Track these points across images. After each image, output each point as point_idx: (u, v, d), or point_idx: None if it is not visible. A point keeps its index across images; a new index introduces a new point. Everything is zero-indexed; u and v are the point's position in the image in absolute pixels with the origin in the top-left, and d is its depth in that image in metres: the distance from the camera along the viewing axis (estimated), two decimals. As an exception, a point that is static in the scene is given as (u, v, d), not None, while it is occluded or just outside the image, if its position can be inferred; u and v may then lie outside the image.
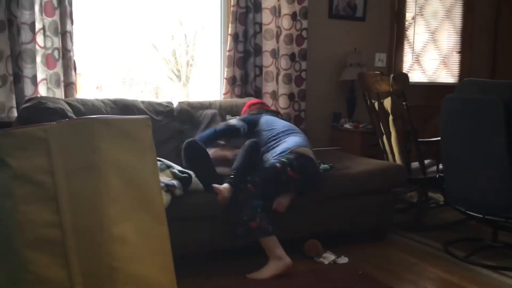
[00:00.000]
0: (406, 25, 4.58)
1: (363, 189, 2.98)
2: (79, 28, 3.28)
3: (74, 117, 2.76)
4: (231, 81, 3.65)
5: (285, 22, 3.75)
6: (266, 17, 3.70)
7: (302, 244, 2.79)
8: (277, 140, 2.90)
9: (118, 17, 3.49)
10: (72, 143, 1.69)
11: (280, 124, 3.03)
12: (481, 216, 2.76)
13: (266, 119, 3.07)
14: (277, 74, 3.79)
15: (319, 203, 2.85)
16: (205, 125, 3.22)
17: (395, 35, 4.50)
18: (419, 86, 4.65)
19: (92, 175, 1.68)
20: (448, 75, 4.93)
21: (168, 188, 2.42)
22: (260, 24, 3.71)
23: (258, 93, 3.76)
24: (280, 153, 2.77)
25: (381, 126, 3.46)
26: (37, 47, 3.01)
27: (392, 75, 3.27)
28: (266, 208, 2.57)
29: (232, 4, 3.59)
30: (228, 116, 3.29)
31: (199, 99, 3.57)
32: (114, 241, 1.67)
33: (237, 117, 3.14)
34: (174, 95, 3.73)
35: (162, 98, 3.48)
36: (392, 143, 3.42)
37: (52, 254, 1.63)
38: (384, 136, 3.47)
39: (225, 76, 3.67)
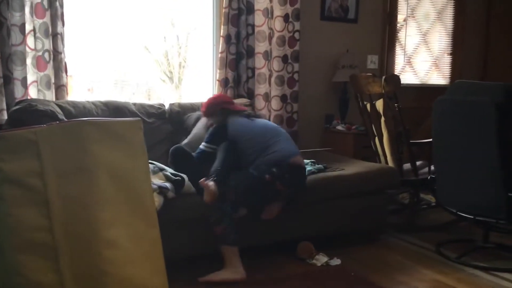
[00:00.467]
0: (397, 27, 4.60)
1: (355, 191, 2.99)
2: (70, 30, 3.26)
3: (65, 119, 2.74)
4: (224, 83, 3.64)
5: (278, 24, 3.75)
6: (259, 18, 3.70)
7: (295, 246, 2.79)
8: (265, 149, 2.65)
9: (110, 18, 3.47)
10: (62, 146, 1.68)
11: (257, 130, 2.73)
12: (472, 217, 2.77)
13: (234, 124, 2.75)
14: (270, 76, 3.78)
15: (312, 205, 2.85)
16: (190, 129, 3.17)
17: (387, 37, 4.52)
18: (411, 87, 4.67)
19: (83, 178, 1.67)
20: (439, 77, 4.96)
21: (161, 190, 2.41)
22: (253, 26, 3.71)
23: (250, 95, 3.75)
24: (272, 164, 2.59)
25: (373, 128, 3.47)
26: (27, 49, 2.99)
27: (384, 77, 3.28)
28: (248, 215, 2.56)
29: (224, 5, 3.59)
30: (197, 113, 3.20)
31: (192, 101, 3.55)
32: (105, 244, 1.66)
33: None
34: (166, 97, 3.72)
35: (154, 100, 3.47)
36: (384, 144, 3.44)
37: (43, 257, 1.62)
38: (376, 138, 3.48)
39: (217, 78, 3.67)
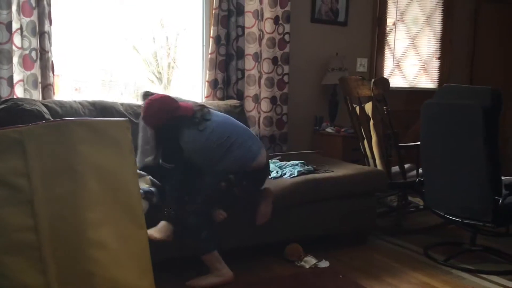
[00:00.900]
0: (387, 31, 4.63)
1: (344, 193, 2.99)
2: (57, 29, 3.23)
3: (51, 119, 2.71)
4: (213, 84, 3.63)
5: (268, 26, 3.75)
6: (249, 20, 3.69)
7: (283, 248, 2.78)
8: (223, 157, 2.44)
9: (98, 18, 3.44)
10: (49, 146, 1.65)
11: (211, 140, 2.44)
12: (459, 220, 2.79)
13: (188, 149, 2.46)
14: (259, 78, 3.78)
15: (300, 207, 2.85)
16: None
17: (376, 40, 4.55)
18: (400, 91, 4.70)
19: (70, 178, 1.65)
20: (427, 81, 5.00)
21: (147, 195, 2.39)
22: (243, 27, 3.70)
23: (240, 97, 3.74)
24: (230, 170, 2.45)
25: (362, 131, 3.48)
26: (14, 47, 2.94)
27: (373, 80, 3.29)
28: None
29: (214, 6, 3.58)
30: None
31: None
32: (92, 245, 1.64)
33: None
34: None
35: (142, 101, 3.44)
36: (373, 147, 3.45)
37: (28, 259, 1.60)
38: (365, 141, 3.49)
39: (206, 79, 3.65)
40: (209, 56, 3.61)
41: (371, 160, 3.51)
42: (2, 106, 2.69)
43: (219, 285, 2.41)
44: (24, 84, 3.02)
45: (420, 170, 3.21)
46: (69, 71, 3.39)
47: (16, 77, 2.98)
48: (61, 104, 2.97)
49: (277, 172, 3.01)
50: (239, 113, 3.48)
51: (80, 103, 3.07)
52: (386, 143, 3.36)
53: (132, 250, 1.77)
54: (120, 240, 1.72)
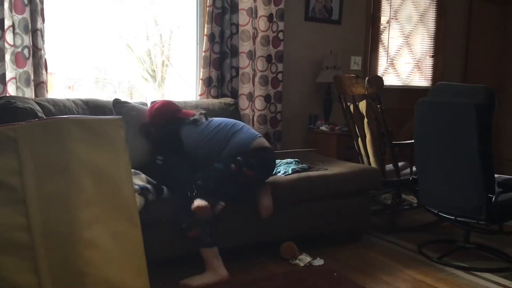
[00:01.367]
0: (381, 29, 4.64)
1: (338, 191, 2.99)
2: (50, 26, 3.20)
3: (45, 117, 2.69)
4: (207, 82, 3.62)
5: (262, 24, 3.75)
6: (243, 18, 3.68)
7: (278, 246, 2.78)
8: (225, 141, 2.62)
9: (92, 15, 3.42)
10: (42, 144, 1.64)
11: (212, 134, 2.65)
12: (453, 218, 2.80)
13: (189, 145, 2.66)
14: (254, 76, 3.77)
15: (295, 205, 2.85)
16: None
17: (370, 38, 4.56)
18: (393, 89, 4.71)
19: (63, 177, 1.64)
20: (421, 79, 5.01)
21: (142, 191, 2.38)
22: (237, 25, 3.69)
23: (234, 95, 3.74)
24: (236, 153, 2.57)
25: (356, 129, 3.49)
26: (6, 45, 2.92)
27: (367, 78, 3.30)
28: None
29: (208, 4, 3.57)
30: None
31: (174, 99, 3.52)
32: (85, 245, 1.63)
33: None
34: (149, 95, 3.68)
35: (136, 99, 3.42)
36: (367, 145, 3.45)
37: (21, 258, 1.58)
38: (359, 139, 3.50)
39: (200, 77, 3.64)
40: (203, 54, 3.60)
41: (365, 158, 3.51)
42: (-5, 104, 2.67)
43: (213, 284, 2.40)
44: (16, 82, 2.99)
45: (414, 168, 3.22)
46: (62, 69, 3.37)
47: (9, 75, 2.96)
48: (54, 102, 2.95)
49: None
50: (233, 111, 3.47)
51: (74, 101, 3.05)
52: (380, 141, 3.37)
53: (126, 249, 1.76)
54: (114, 239, 1.71)
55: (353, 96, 3.45)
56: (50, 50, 3.18)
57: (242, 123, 2.76)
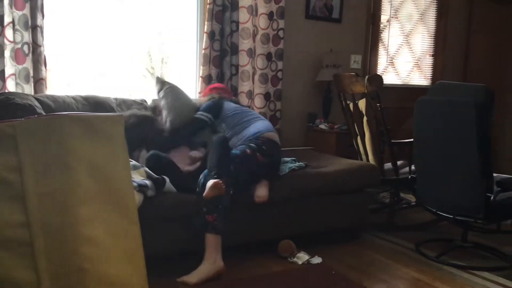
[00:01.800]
0: (381, 28, 4.64)
1: (337, 189, 2.99)
2: (50, 23, 3.20)
3: (44, 113, 2.69)
4: (207, 80, 3.62)
5: (262, 22, 3.74)
6: (243, 15, 3.68)
7: (276, 244, 2.79)
8: (243, 125, 2.96)
9: (91, 12, 3.41)
10: (41, 140, 1.64)
11: (244, 109, 3.10)
12: (451, 217, 2.81)
13: (228, 105, 3.11)
14: (253, 74, 3.77)
15: (293, 203, 2.85)
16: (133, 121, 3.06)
17: (370, 37, 4.55)
18: (393, 88, 4.71)
19: (62, 173, 1.64)
20: (421, 78, 5.01)
21: (141, 188, 2.38)
22: (237, 23, 3.69)
23: (234, 92, 3.74)
24: (248, 137, 2.84)
25: (356, 127, 3.49)
26: (6, 41, 2.92)
27: (367, 77, 3.30)
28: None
29: (208, 1, 3.56)
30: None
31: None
32: (84, 241, 1.63)
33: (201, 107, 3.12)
34: (148, 92, 3.67)
35: (135, 96, 3.42)
36: (366, 144, 3.46)
37: (19, 255, 1.58)
38: (359, 137, 3.50)
39: (200, 74, 3.64)
40: (203, 51, 3.60)
41: (364, 157, 3.52)
42: (-6, 100, 2.67)
43: (211, 278, 2.39)
44: (16, 78, 2.99)
45: (413, 167, 3.23)
46: (61, 66, 3.37)
47: (8, 71, 2.96)
48: (54, 98, 2.95)
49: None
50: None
51: (73, 97, 3.05)
52: (379, 140, 3.37)
53: (125, 246, 1.75)
54: (112, 236, 1.71)
55: (353, 95, 3.45)
56: (50, 46, 3.18)
57: (261, 116, 3.12)
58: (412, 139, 3.00)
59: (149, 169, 2.60)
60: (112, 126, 1.78)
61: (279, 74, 3.87)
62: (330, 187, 2.97)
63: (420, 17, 4.90)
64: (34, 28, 3.02)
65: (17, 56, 2.97)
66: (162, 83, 3.22)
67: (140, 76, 3.70)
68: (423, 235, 3.25)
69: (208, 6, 3.57)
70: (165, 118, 3.08)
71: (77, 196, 1.64)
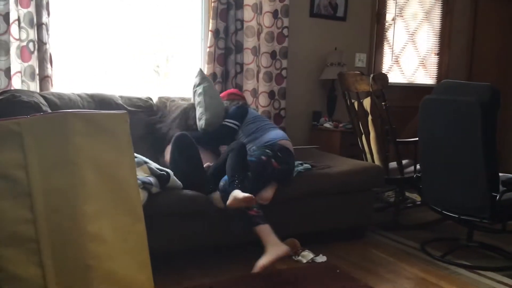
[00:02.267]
0: (386, 26, 4.62)
1: (342, 189, 2.99)
2: (55, 20, 3.20)
3: (49, 111, 2.69)
4: (212, 78, 3.61)
5: (266, 20, 3.74)
6: (248, 14, 3.68)
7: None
8: (259, 133, 2.97)
9: (96, 9, 3.42)
10: (47, 138, 1.64)
11: (261, 118, 3.12)
12: (457, 216, 2.80)
13: (251, 112, 3.14)
14: (258, 72, 3.77)
15: (298, 202, 2.85)
16: (176, 117, 3.17)
17: (375, 35, 4.54)
18: (398, 86, 4.70)
19: (68, 171, 1.64)
20: (426, 76, 5.00)
21: (145, 185, 2.38)
22: (242, 21, 3.69)
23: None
24: (264, 143, 2.86)
25: (360, 126, 3.48)
26: (11, 38, 2.92)
27: (372, 75, 3.29)
28: None
29: (213, 0, 3.56)
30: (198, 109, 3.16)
31: (179, 94, 3.52)
32: (89, 238, 1.64)
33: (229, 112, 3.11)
34: (153, 90, 3.67)
35: (141, 93, 3.42)
36: (371, 142, 3.45)
37: (26, 251, 1.59)
38: (363, 136, 3.49)
39: (205, 72, 3.64)
40: (207, 49, 3.60)
41: (369, 156, 3.51)
42: (0, 97, 2.68)
43: (280, 258, 2.41)
44: (21, 76, 3.00)
45: (418, 166, 3.22)
46: (67, 63, 3.37)
47: (14, 69, 2.96)
48: (59, 96, 2.95)
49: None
50: (238, 107, 3.47)
51: (79, 95, 3.06)
52: (384, 139, 3.36)
53: (130, 243, 1.76)
54: (117, 233, 1.71)
55: (358, 93, 3.44)
56: (55, 44, 3.18)
57: (273, 124, 3.15)
58: (417, 138, 2.99)
59: (175, 148, 2.67)
60: (117, 124, 1.78)
61: (284, 72, 3.86)
62: (335, 187, 2.96)
63: (425, 16, 4.88)
64: (39, 26, 3.02)
65: (23, 54, 2.98)
66: (202, 78, 3.20)
67: (145, 74, 3.70)
68: (428, 234, 3.24)
69: (212, 4, 3.56)
70: (200, 116, 3.08)
71: (82, 193, 1.65)
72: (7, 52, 2.90)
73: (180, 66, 3.83)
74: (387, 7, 4.59)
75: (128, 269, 1.72)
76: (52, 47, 3.12)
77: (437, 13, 4.94)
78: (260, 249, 2.80)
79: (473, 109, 2.56)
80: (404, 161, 3.42)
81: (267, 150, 2.77)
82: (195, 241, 2.60)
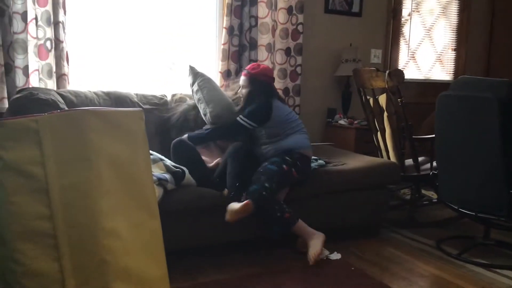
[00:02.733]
0: (402, 22, 4.57)
1: (357, 186, 2.98)
2: (72, 18, 3.24)
3: (66, 108, 2.73)
4: (226, 75, 3.62)
5: (281, 16, 3.73)
6: (262, 10, 3.67)
7: (295, 239, 2.78)
8: (282, 137, 2.83)
9: (112, 7, 3.45)
10: (64, 135, 1.66)
11: (288, 119, 2.86)
12: (473, 214, 2.76)
13: (276, 111, 2.82)
14: (272, 69, 3.76)
15: (313, 199, 2.85)
16: (177, 118, 3.17)
17: (391, 31, 4.50)
18: (414, 83, 4.65)
19: (84, 168, 1.66)
20: (443, 72, 4.94)
21: (160, 182, 2.40)
22: (256, 18, 3.68)
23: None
24: (284, 150, 2.78)
25: (376, 123, 3.46)
26: (29, 37, 2.97)
27: (387, 72, 3.26)
28: None
29: (227, -4, 3.57)
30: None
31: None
32: (106, 234, 1.66)
33: (247, 109, 2.86)
34: (168, 87, 3.69)
35: (156, 91, 3.45)
36: (386, 139, 3.42)
37: (43, 246, 1.61)
38: (379, 133, 3.47)
39: (219, 69, 3.65)
40: (222, 46, 3.61)
41: (384, 153, 3.48)
42: (18, 95, 2.72)
43: (323, 246, 2.61)
44: (39, 74, 3.05)
45: (434, 163, 3.18)
46: (83, 61, 3.41)
47: (32, 67, 3.01)
48: (76, 93, 2.99)
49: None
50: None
51: (95, 93, 3.09)
52: (400, 136, 3.33)
53: (145, 240, 1.78)
54: (133, 229, 1.73)
55: (373, 90, 3.42)
56: (72, 42, 3.22)
57: (302, 124, 2.94)
58: (433, 135, 2.96)
59: (173, 156, 2.66)
60: (133, 121, 1.80)
61: (298, 69, 3.85)
62: (351, 184, 2.95)
63: (442, 11, 4.82)
64: (56, 24, 3.06)
65: (40, 52, 3.02)
66: (194, 75, 3.15)
67: (160, 72, 3.72)
68: (444, 232, 3.21)
69: (227, 1, 3.57)
70: (204, 111, 3.05)
71: (98, 189, 1.67)
72: (25, 50, 2.94)
73: (194, 63, 3.84)
74: (403, 2, 4.54)
75: (144, 265, 1.74)
76: (68, 45, 3.16)
77: (454, 8, 4.87)
78: (273, 244, 2.81)
79: (491, 105, 2.52)
80: (420, 158, 3.39)
81: (287, 158, 2.72)
82: (210, 238, 2.61)
